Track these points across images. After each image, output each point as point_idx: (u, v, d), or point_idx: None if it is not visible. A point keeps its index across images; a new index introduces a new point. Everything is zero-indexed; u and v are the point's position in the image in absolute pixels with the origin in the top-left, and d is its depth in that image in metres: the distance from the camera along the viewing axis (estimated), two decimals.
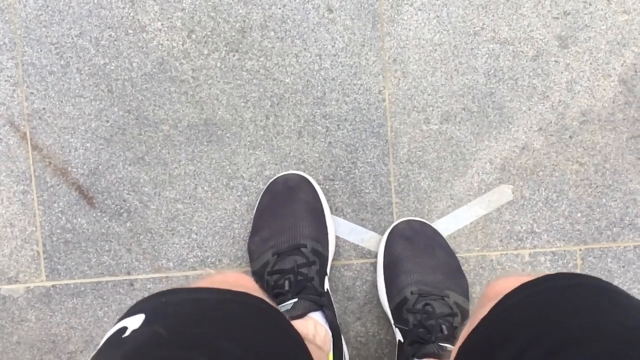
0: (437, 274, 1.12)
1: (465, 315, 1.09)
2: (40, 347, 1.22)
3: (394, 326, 1.11)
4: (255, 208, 1.17)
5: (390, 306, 1.12)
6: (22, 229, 1.20)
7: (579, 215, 1.16)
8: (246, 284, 0.78)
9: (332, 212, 1.18)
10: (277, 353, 0.64)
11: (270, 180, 1.16)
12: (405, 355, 1.06)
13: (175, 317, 0.62)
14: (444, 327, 1.05)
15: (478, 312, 0.69)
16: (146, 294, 1.18)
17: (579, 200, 1.16)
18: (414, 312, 1.07)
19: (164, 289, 0.67)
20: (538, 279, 0.65)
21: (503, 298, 0.65)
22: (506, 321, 0.63)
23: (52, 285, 1.21)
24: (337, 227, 1.18)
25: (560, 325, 0.58)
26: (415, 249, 1.13)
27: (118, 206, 1.19)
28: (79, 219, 1.20)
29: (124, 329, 0.62)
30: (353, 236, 1.18)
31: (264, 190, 1.17)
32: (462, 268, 1.16)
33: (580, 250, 1.16)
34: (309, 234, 1.12)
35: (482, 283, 1.18)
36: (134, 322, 0.62)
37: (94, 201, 1.20)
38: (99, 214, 1.20)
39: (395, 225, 1.15)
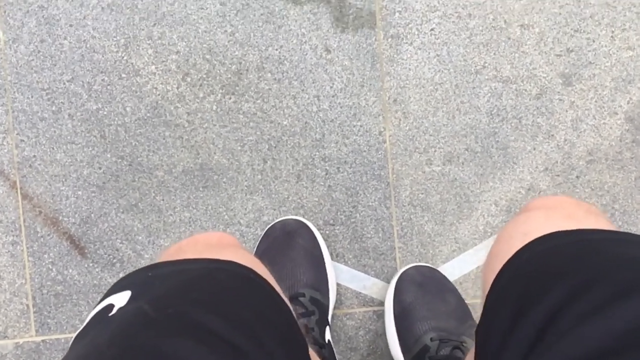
0: (450, 320, 1.14)
1: None
2: None
3: None
4: (253, 254, 1.21)
5: (406, 357, 1.14)
6: (11, 282, 1.25)
7: None
8: (229, 241, 0.79)
9: (332, 259, 1.22)
10: (266, 327, 0.65)
11: (268, 226, 1.21)
12: None
13: (161, 291, 0.63)
14: None
15: (507, 228, 0.69)
16: None
17: None
18: (439, 359, 1.09)
19: (150, 264, 0.69)
20: (573, 230, 0.63)
21: (532, 242, 0.64)
22: (539, 269, 0.61)
23: (42, 340, 1.25)
24: (338, 274, 1.23)
25: (606, 274, 0.55)
26: (427, 294, 1.16)
27: (111, 256, 1.24)
28: (70, 270, 1.24)
29: (111, 306, 0.63)
30: (355, 283, 1.23)
31: (261, 236, 1.21)
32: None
33: None
34: (307, 282, 1.15)
35: None
36: (121, 299, 0.63)
37: (86, 251, 1.24)
38: (90, 264, 1.24)
39: (404, 272, 1.18)
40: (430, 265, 1.19)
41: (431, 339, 1.11)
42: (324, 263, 1.19)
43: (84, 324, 0.63)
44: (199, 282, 0.65)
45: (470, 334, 1.14)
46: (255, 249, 1.21)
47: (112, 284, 1.19)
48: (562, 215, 0.69)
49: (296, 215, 1.22)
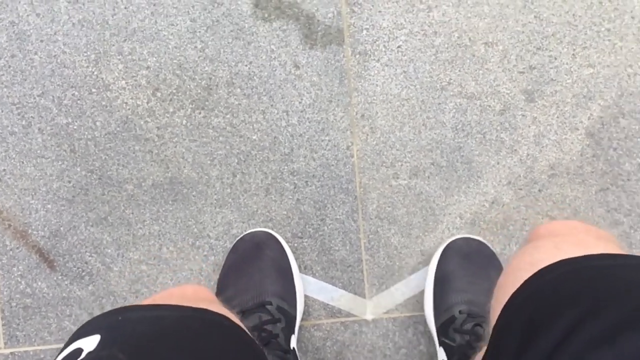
0: (489, 297, 1.19)
1: None
2: None
3: (437, 344, 1.17)
4: (222, 267, 1.24)
5: (436, 323, 1.19)
6: None
7: None
8: (206, 296, 0.80)
9: (301, 271, 1.26)
10: None
11: (237, 238, 1.24)
12: None
13: (133, 339, 0.62)
14: None
15: (513, 260, 0.70)
16: None
17: None
18: (461, 332, 1.13)
19: (123, 306, 0.68)
20: (582, 257, 0.64)
21: (541, 271, 0.65)
22: (548, 296, 0.62)
23: (11, 353, 1.27)
24: (307, 286, 1.26)
25: (616, 300, 0.56)
26: (471, 268, 1.20)
27: (80, 269, 1.27)
28: (39, 283, 1.27)
29: (79, 351, 0.61)
30: (323, 295, 1.27)
31: (230, 248, 1.25)
32: None
33: None
34: (275, 291, 1.18)
35: None
36: (89, 343, 0.62)
37: (55, 264, 1.27)
38: (59, 277, 1.27)
39: (454, 241, 1.22)
40: (480, 239, 1.22)
41: (460, 312, 1.15)
42: (292, 274, 1.22)
43: None
44: (173, 330, 0.65)
45: None
46: (224, 261, 1.24)
47: (80, 296, 1.22)
48: (572, 242, 0.70)
49: (265, 227, 1.25)
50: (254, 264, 1.20)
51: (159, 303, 0.69)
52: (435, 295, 1.21)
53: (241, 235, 1.24)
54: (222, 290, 1.20)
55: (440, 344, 1.17)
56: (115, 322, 0.65)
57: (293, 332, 1.18)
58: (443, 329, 1.17)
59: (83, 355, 0.60)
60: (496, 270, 1.21)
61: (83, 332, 0.64)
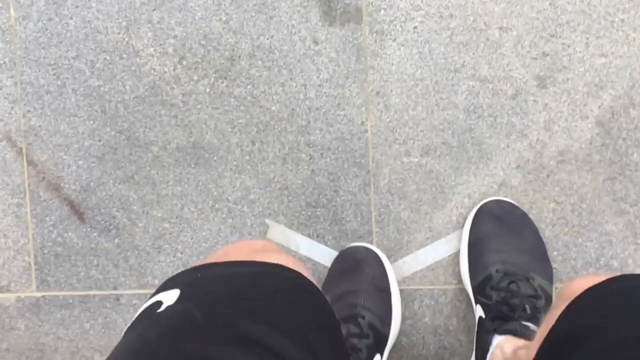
0: (523, 256, 1.27)
1: (549, 299, 1.24)
2: (29, 355, 1.43)
3: (474, 302, 1.27)
4: (326, 276, 1.34)
5: (472, 283, 1.28)
6: (15, 240, 1.41)
7: (555, 253, 1.33)
8: (273, 247, 0.85)
9: (312, 238, 1.36)
10: (315, 331, 0.70)
11: (340, 251, 1.33)
12: (485, 330, 1.20)
13: (210, 295, 0.66)
14: (527, 306, 1.19)
15: (553, 313, 0.76)
16: (132, 310, 1.40)
17: (555, 238, 1.32)
18: (498, 289, 1.22)
19: (199, 264, 0.73)
20: (616, 277, 0.71)
21: (579, 296, 0.71)
22: (585, 316, 0.68)
23: (42, 296, 1.42)
24: (318, 253, 1.36)
25: None
26: (504, 228, 1.29)
27: (107, 223, 1.40)
28: (70, 234, 1.41)
29: (159, 303, 0.67)
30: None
31: (332, 260, 1.34)
32: (443, 300, 1.33)
33: (556, 288, 1.32)
34: (371, 307, 1.25)
35: (459, 316, 1.35)
36: (169, 297, 0.67)
37: (85, 217, 1.40)
38: (88, 229, 1.40)
39: (485, 204, 1.31)
40: (512, 202, 1.31)
41: (497, 270, 1.25)
42: (390, 296, 1.30)
43: (134, 317, 0.68)
44: (248, 289, 0.69)
45: (542, 271, 1.26)
46: (328, 269, 1.34)
47: (107, 248, 1.35)
48: None
49: (279, 199, 1.35)
50: (355, 277, 1.28)
51: (234, 260, 0.74)
52: (471, 256, 1.30)
53: (344, 248, 1.33)
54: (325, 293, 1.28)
55: (477, 301, 1.26)
56: (194, 279, 0.70)
57: (380, 353, 1.24)
58: (480, 287, 1.26)
59: (162, 307, 0.66)
60: (530, 231, 1.30)
61: (165, 286, 0.71)
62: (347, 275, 1.30)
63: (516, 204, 1.31)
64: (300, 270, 0.75)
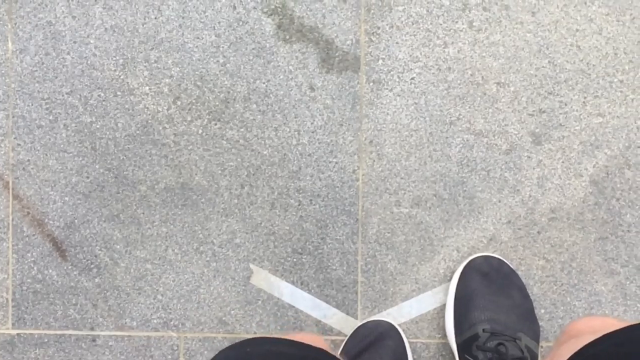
0: (511, 315, 1.25)
1: (534, 359, 1.22)
2: None
3: (458, 359, 1.25)
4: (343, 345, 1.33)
5: (457, 339, 1.26)
6: None
7: (542, 311, 1.30)
8: (321, 343, 0.88)
9: (297, 286, 1.34)
10: None
11: (358, 325, 1.32)
12: None
13: None
14: None
15: (557, 350, 0.76)
16: (107, 352, 1.36)
17: (543, 296, 1.30)
18: (485, 350, 1.20)
19: (250, 337, 0.75)
20: (622, 329, 0.70)
21: (583, 348, 0.71)
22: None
23: (17, 334, 1.38)
24: (301, 301, 1.34)
25: None
26: (491, 286, 1.27)
27: (89, 261, 1.37)
28: (50, 271, 1.37)
29: None
30: (316, 312, 1.34)
31: (350, 333, 1.32)
32: (432, 354, 1.30)
33: (542, 347, 1.30)
34: None
35: None
36: None
37: (67, 254, 1.37)
38: (69, 267, 1.37)
39: (473, 259, 1.29)
40: (500, 258, 1.29)
41: (483, 330, 1.22)
42: None
43: None
44: None
45: (529, 331, 1.24)
46: (342, 345, 1.32)
47: (87, 287, 1.32)
48: None
49: (265, 244, 1.33)
50: (374, 350, 1.28)
51: (283, 337, 0.77)
52: (457, 312, 1.28)
53: (363, 322, 1.32)
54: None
55: (462, 359, 1.24)
56: (243, 354, 0.72)
57: None
58: (466, 346, 1.24)
59: None
60: (517, 290, 1.28)
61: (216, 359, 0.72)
62: (369, 347, 1.28)
63: (505, 260, 1.29)
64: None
